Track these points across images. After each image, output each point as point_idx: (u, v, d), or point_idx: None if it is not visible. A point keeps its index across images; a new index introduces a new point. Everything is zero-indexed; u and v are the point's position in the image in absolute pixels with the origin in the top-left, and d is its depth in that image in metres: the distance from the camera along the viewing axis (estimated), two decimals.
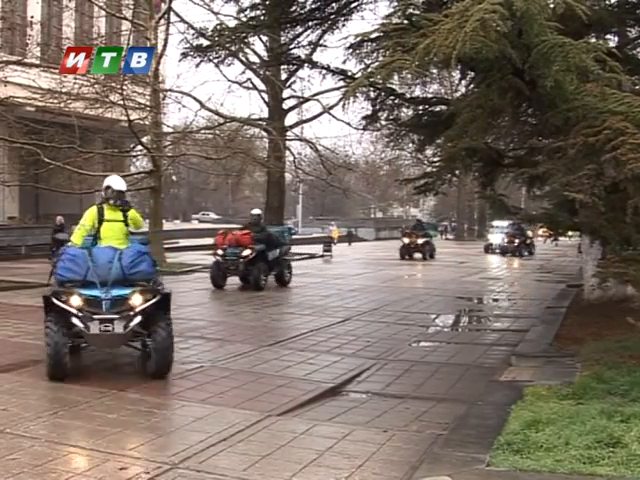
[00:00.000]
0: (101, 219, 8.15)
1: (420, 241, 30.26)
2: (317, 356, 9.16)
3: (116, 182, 8.34)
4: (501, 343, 10.39)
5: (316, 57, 15.24)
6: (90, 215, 8.20)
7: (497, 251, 35.73)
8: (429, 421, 6.35)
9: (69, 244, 8.15)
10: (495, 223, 40.95)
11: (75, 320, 7.28)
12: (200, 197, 68.73)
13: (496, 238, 37.53)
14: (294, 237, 37.43)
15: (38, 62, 20.73)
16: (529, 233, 35.76)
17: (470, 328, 12.96)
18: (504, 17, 6.17)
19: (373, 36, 8.36)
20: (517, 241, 34.09)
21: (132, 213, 8.45)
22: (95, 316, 7.26)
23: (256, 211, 18.68)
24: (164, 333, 7.46)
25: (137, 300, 7.42)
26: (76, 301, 7.28)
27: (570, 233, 11.74)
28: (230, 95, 60.61)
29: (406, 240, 30.76)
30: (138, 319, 7.41)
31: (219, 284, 16.53)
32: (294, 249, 32.99)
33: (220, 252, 16.82)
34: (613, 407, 5.46)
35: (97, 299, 7.31)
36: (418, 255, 30.20)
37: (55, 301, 7.34)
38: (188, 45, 13.11)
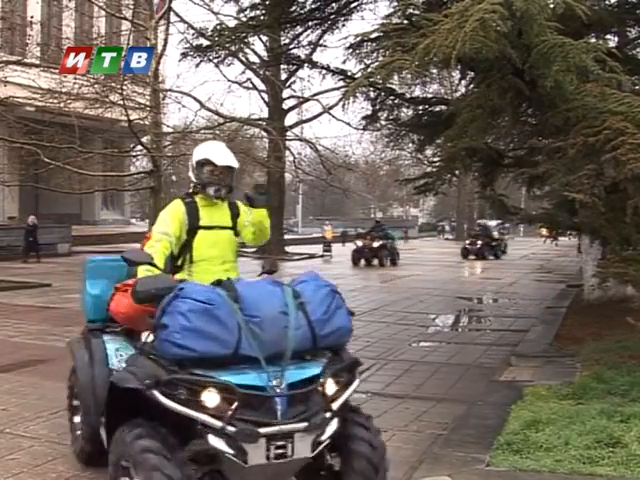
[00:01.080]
0: (195, 225, 4.48)
1: (375, 244, 25.90)
2: None
3: (219, 153, 4.56)
4: (501, 343, 10.39)
5: (316, 57, 15.27)
6: (175, 217, 4.49)
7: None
8: (429, 421, 6.35)
9: (148, 269, 4.06)
10: (481, 223, 39.08)
11: (213, 439, 3.47)
12: None
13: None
14: (294, 237, 37.05)
15: (38, 62, 20.75)
16: (494, 234, 33.27)
17: (470, 328, 12.96)
18: (504, 17, 6.17)
19: (373, 36, 8.36)
20: (480, 242, 31.70)
21: (257, 213, 4.67)
22: (262, 430, 3.44)
23: None
24: (368, 443, 3.89)
25: (332, 387, 3.76)
26: (213, 400, 3.47)
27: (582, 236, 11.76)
28: (230, 95, 60.78)
29: (359, 243, 26.50)
30: (334, 425, 3.72)
31: None
32: (294, 249, 33.15)
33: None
34: (613, 407, 5.46)
35: (262, 393, 3.52)
36: (375, 262, 26.01)
37: (164, 401, 3.47)
38: (188, 45, 13.07)
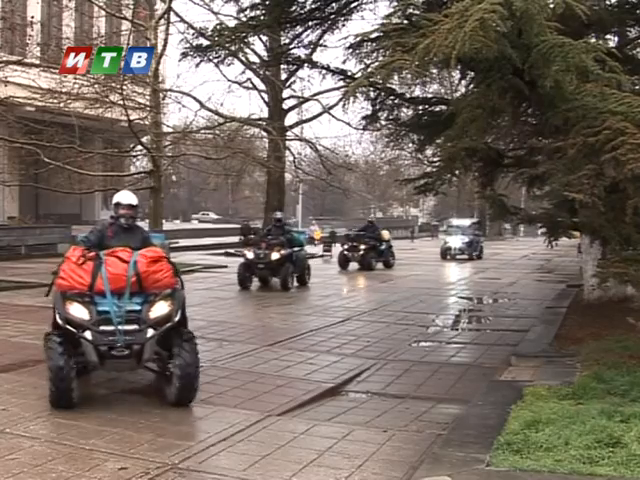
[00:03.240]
0: None
1: (275, 256, 16.73)
2: (317, 356, 9.16)
3: None
4: (501, 343, 10.39)
5: (316, 57, 15.22)
6: None
7: (458, 256, 30.02)
8: (429, 421, 6.35)
9: None
10: (455, 222, 35.68)
11: None
12: (200, 197, 68.69)
13: (455, 240, 31.02)
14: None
15: (38, 62, 20.74)
16: (384, 234, 24.32)
17: (470, 328, 12.96)
18: (504, 17, 6.17)
19: (373, 36, 8.36)
20: (363, 247, 22.77)
21: None
22: None
23: (129, 198, 7.18)
24: None
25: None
26: None
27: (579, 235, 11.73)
28: (230, 95, 60.80)
29: (249, 255, 16.98)
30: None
31: (68, 398, 6.21)
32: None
33: (80, 313, 6.39)
34: (613, 407, 5.46)
35: None
36: (275, 280, 16.98)
37: None
38: (188, 45, 13.05)
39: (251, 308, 14.03)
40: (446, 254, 30.37)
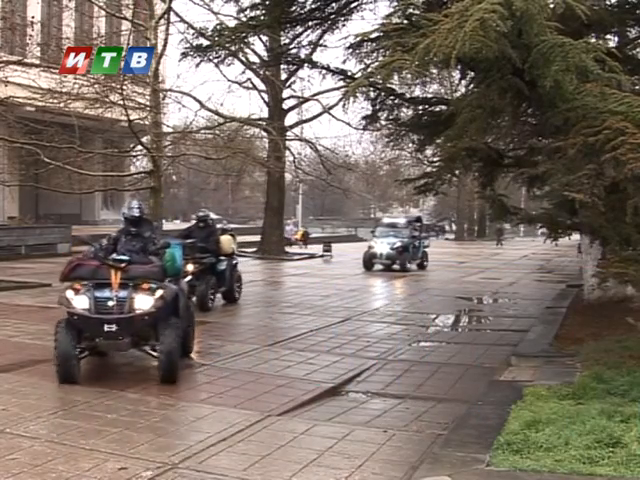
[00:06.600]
0: None
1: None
2: (317, 356, 9.16)
3: None
4: (501, 343, 10.39)
5: (316, 57, 15.22)
6: None
7: (392, 266, 22.97)
8: (429, 421, 6.35)
9: None
10: (386, 220, 27.72)
11: None
12: (200, 197, 68.59)
13: (382, 246, 23.20)
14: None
15: (38, 62, 20.74)
16: (225, 242, 13.65)
17: (470, 328, 12.97)
18: (504, 17, 6.17)
19: (373, 36, 8.36)
20: (192, 268, 12.19)
21: None
22: None
23: None
24: None
25: None
26: None
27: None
28: (230, 95, 60.75)
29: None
30: None
31: None
32: (294, 249, 33.05)
33: None
34: (613, 407, 5.46)
35: None
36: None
37: None
38: (188, 45, 13.05)
39: (251, 308, 14.00)
40: (371, 264, 22.99)
